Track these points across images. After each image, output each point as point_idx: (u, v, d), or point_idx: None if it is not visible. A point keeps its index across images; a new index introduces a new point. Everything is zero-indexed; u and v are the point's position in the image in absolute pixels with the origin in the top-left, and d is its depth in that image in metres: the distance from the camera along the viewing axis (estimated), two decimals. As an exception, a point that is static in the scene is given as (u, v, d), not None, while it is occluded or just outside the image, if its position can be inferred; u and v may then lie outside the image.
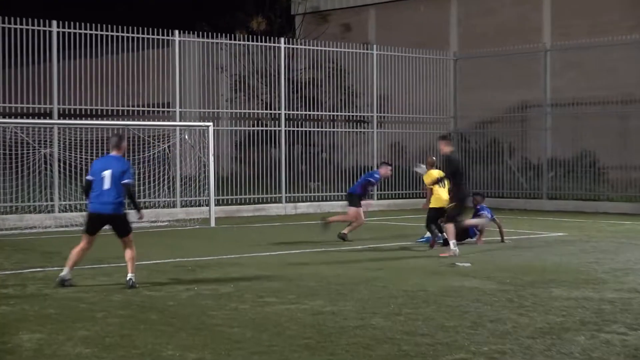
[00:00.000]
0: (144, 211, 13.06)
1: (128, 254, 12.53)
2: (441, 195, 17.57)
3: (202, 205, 25.85)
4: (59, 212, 23.89)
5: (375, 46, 32.18)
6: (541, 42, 34.05)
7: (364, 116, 32.47)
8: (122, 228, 12.57)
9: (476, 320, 9.83)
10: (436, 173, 18.10)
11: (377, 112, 31.46)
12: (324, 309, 10.56)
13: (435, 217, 17.64)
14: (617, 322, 9.69)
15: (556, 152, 31.18)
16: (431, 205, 17.79)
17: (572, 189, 30.47)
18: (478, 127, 33.96)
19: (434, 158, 19.21)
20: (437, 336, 9.03)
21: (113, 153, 12.67)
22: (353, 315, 10.14)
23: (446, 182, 17.34)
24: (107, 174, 12.35)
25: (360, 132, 32.32)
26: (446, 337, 9.01)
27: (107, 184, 12.31)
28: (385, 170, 19.99)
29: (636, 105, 30.17)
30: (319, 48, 30.59)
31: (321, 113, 31.50)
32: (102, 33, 25.32)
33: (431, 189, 17.80)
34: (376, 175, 19.82)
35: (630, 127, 30.19)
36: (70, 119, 25.09)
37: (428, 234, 18.16)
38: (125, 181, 12.36)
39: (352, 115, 32.79)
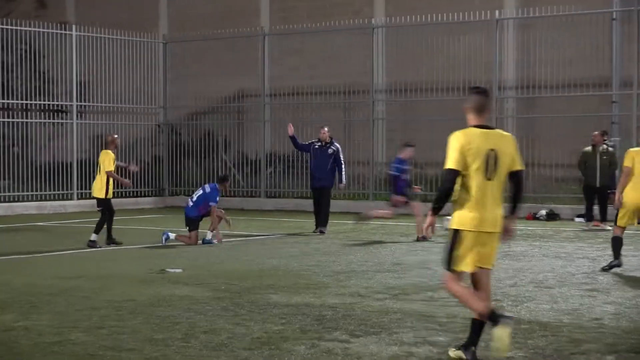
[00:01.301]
0: None
1: None
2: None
3: None
4: None
5: (74, 26, 31.62)
6: (259, 26, 34.59)
7: (62, 105, 31.91)
8: None
9: (188, 331, 9.95)
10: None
11: (77, 101, 30.95)
12: (16, 324, 10.36)
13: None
14: (339, 329, 10.08)
15: (275, 147, 31.79)
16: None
17: (292, 187, 31.21)
18: (190, 119, 34.19)
19: (116, 136, 20.04)
20: (145, 350, 9.08)
21: None
22: (49, 330, 10.01)
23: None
24: None
25: (58, 123, 31.74)
26: (155, 350, 9.07)
27: None
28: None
29: (361, 95, 31.16)
30: (7, 27, 29.65)
31: (11, 101, 30.66)
32: None
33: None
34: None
35: (355, 120, 31.25)
36: None
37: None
38: None
39: (48, 105, 32.14)
